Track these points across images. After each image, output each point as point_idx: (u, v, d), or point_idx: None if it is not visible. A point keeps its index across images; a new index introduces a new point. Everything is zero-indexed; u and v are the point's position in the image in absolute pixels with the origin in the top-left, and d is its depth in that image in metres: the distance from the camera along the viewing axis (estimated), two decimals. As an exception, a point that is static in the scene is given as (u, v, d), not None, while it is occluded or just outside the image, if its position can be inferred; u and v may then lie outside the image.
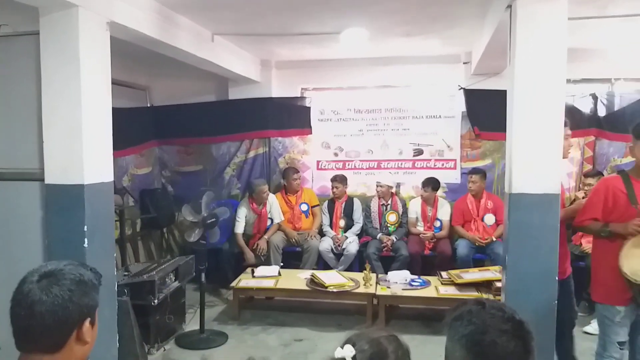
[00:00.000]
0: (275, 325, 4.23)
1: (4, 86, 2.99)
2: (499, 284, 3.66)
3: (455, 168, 5.55)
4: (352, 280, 4.25)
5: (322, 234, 5.40)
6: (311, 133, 5.82)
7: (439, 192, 5.32)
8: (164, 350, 3.77)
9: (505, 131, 3.12)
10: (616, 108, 5.08)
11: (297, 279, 4.44)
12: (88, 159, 2.83)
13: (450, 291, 4.03)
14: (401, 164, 5.67)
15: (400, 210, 5.30)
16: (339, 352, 1.18)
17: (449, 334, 1.19)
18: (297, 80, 6.01)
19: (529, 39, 2.97)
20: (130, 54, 4.43)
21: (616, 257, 2.48)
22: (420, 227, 5.24)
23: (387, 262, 4.99)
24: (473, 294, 3.89)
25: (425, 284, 4.23)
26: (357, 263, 5.07)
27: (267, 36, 4.79)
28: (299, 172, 5.57)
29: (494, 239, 4.82)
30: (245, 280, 4.45)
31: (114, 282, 3.08)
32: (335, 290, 4.12)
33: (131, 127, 5.29)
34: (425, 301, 4.15)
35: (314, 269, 4.95)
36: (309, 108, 5.83)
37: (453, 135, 5.57)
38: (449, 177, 5.53)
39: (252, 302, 4.72)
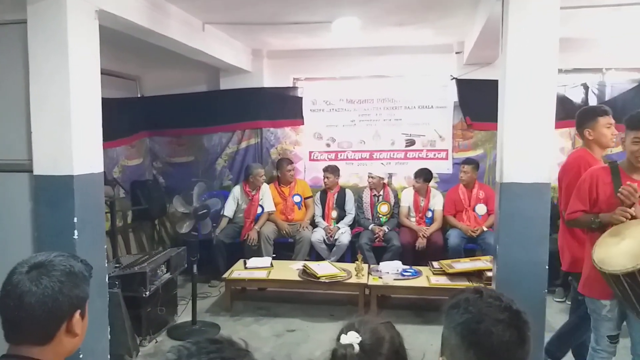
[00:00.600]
0: (268, 316, 4.24)
1: (-9, 76, 2.94)
2: (490, 274, 3.69)
3: (447, 158, 5.57)
4: (344, 270, 4.26)
5: (314, 225, 5.40)
6: (303, 123, 5.81)
7: (431, 183, 5.34)
8: (156, 342, 3.76)
9: (497, 121, 3.13)
10: (607, 98, 5.10)
11: (289, 270, 4.44)
12: (77, 149, 2.80)
13: (441, 281, 4.06)
14: (393, 155, 5.68)
15: (392, 201, 5.31)
16: (345, 339, 1.19)
17: (445, 321, 1.19)
18: (289, 70, 5.98)
19: (521, 29, 2.97)
20: (120, 43, 4.37)
21: None
22: (412, 218, 5.25)
23: (380, 253, 5.01)
24: (464, 284, 3.92)
25: (417, 274, 4.26)
26: (350, 254, 5.09)
27: (258, 25, 4.75)
28: (292, 163, 5.55)
29: (485, 229, 4.85)
30: (237, 272, 4.45)
31: (105, 274, 3.06)
32: (327, 280, 4.14)
33: (121, 118, 5.25)
34: (417, 291, 4.17)
35: (306, 260, 4.96)
36: (301, 98, 5.81)
37: (445, 125, 5.58)
38: (441, 167, 5.56)
39: (244, 293, 4.72)
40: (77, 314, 1.19)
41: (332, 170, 5.42)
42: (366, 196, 5.36)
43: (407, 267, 4.38)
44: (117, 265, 3.76)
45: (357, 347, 1.17)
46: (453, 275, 4.07)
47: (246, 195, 5.29)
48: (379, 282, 4.12)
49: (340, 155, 5.79)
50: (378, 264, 4.57)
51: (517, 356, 1.10)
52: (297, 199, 5.48)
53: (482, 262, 4.08)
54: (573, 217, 2.63)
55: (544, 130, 3.01)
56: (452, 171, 5.50)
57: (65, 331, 1.17)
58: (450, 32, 5.15)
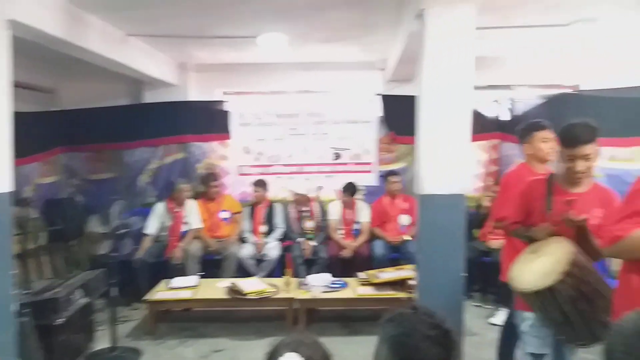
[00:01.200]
0: (193, 338, 4.09)
1: None
2: (413, 282, 3.79)
3: (372, 171, 5.73)
4: (272, 286, 4.22)
5: (243, 240, 5.32)
6: (230, 138, 5.73)
7: (358, 195, 5.44)
8: (72, 371, 3.52)
9: (417, 135, 3.25)
10: (518, 113, 5.45)
11: (216, 289, 4.32)
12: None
13: (368, 291, 4.12)
14: (321, 168, 5.75)
15: (319, 216, 5.34)
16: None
17: (380, 334, 1.21)
18: (217, 84, 5.92)
19: (438, 47, 3.11)
20: (35, 54, 4.13)
21: None
22: (340, 231, 5.31)
23: (311, 266, 5.01)
24: (390, 293, 4.00)
25: (345, 285, 4.30)
26: (279, 268, 5.05)
27: (183, 38, 4.66)
28: (217, 178, 5.45)
29: (406, 239, 5.00)
30: (160, 293, 4.27)
31: (10, 303, 2.83)
32: (255, 297, 4.07)
33: (35, 133, 4.91)
34: (344, 302, 4.20)
35: (234, 277, 4.85)
36: (228, 112, 5.75)
37: (370, 139, 5.73)
38: (367, 179, 5.70)
39: (168, 314, 4.52)
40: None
41: (261, 185, 5.39)
42: (292, 212, 5.37)
43: (336, 279, 4.41)
44: (26, 291, 3.48)
45: None
46: (379, 285, 4.15)
47: (170, 212, 5.12)
48: (307, 296, 4.11)
49: (269, 169, 5.77)
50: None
51: None
52: (224, 214, 5.38)
53: (405, 271, 4.18)
54: (510, 228, 2.57)
55: (460, 144, 3.16)
56: (378, 183, 5.64)
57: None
58: (375, 50, 5.32)
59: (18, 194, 4.18)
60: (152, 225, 5.06)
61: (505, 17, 4.09)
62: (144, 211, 5.22)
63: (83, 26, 3.72)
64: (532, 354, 2.36)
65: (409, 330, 1.15)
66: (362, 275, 4.41)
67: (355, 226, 5.32)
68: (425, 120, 3.19)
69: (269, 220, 5.36)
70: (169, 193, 5.23)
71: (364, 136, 5.74)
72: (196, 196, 5.44)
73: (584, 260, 2.08)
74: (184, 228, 5.12)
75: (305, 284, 4.30)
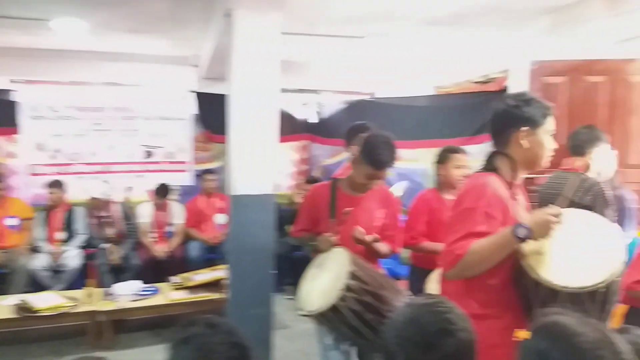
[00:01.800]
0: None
1: None
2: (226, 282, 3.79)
3: (187, 170, 5.55)
4: (71, 299, 3.79)
5: (35, 250, 4.67)
6: (18, 133, 4.99)
7: (172, 196, 5.23)
8: None
9: (231, 135, 3.25)
10: (324, 116, 5.85)
11: (1, 307, 3.72)
12: None
13: (181, 295, 3.99)
14: (131, 167, 5.36)
15: (123, 220, 4.95)
16: None
17: (172, 355, 1.14)
18: (3, 71, 5.10)
19: (246, 49, 3.16)
20: None
21: None
22: (152, 234, 5.03)
23: (120, 273, 4.64)
24: (203, 295, 3.94)
25: (156, 291, 4.09)
26: (81, 279, 4.56)
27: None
28: (3, 179, 4.69)
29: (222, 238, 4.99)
30: None
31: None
32: (49, 313, 3.61)
33: None
34: (156, 310, 3.99)
35: (25, 292, 4.24)
36: (16, 103, 4.98)
37: (185, 137, 5.54)
38: (181, 179, 5.49)
39: None
40: None
41: (57, 186, 4.78)
42: (90, 218, 4.89)
43: (148, 285, 4.17)
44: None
45: None
46: (193, 288, 4.05)
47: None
48: (112, 307, 3.80)
49: (69, 168, 5.17)
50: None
51: None
52: (12, 221, 4.65)
53: (220, 272, 4.16)
54: (294, 235, 2.55)
55: (268, 145, 3.26)
56: (193, 183, 5.49)
57: None
58: (187, 45, 5.18)
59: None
60: None
61: (311, 25, 4.36)
62: None
63: None
64: None
65: (209, 354, 1.10)
66: (175, 279, 4.25)
67: (168, 228, 5.09)
68: (235, 121, 3.22)
69: (68, 225, 4.80)
70: None
71: (178, 134, 5.50)
72: (-27, 201, 4.60)
73: (364, 269, 2.03)
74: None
75: (111, 294, 3.97)
